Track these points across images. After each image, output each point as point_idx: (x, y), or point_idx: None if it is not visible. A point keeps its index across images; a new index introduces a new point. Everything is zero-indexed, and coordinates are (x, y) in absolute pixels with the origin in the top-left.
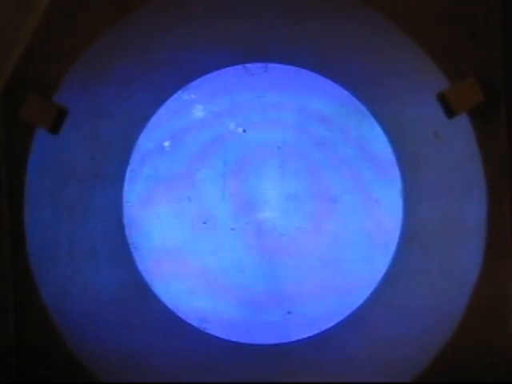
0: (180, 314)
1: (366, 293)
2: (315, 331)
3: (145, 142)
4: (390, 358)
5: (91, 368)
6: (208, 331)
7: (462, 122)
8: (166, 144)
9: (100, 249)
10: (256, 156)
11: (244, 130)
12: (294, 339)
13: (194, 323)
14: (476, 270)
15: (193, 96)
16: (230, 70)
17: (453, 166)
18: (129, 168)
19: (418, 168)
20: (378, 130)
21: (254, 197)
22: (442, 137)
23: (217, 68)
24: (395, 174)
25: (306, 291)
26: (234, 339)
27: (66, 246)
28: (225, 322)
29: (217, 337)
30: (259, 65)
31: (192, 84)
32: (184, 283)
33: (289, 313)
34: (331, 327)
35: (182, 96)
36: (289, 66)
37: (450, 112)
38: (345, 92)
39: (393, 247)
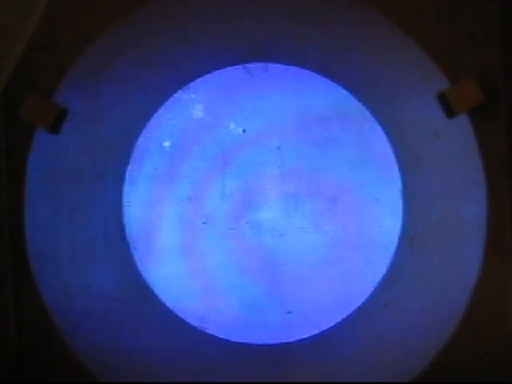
0: (180, 314)
1: (366, 293)
2: (315, 331)
3: (145, 141)
4: (390, 358)
5: (91, 368)
6: (208, 331)
7: (462, 122)
8: (166, 144)
9: (100, 249)
10: (256, 156)
11: (244, 130)
12: (294, 339)
13: (194, 323)
14: (476, 270)
15: (193, 96)
16: (230, 70)
17: (453, 165)
18: (129, 168)
19: (418, 168)
20: (378, 130)
21: (253, 197)
22: (441, 137)
23: (217, 68)
24: (395, 174)
25: (306, 291)
26: (233, 339)
27: (66, 246)
28: (225, 322)
29: (217, 337)
30: (259, 65)
31: (192, 84)
32: (184, 283)
33: (289, 313)
34: (331, 327)
35: (182, 96)
36: (289, 66)
37: (450, 112)
38: (345, 92)
39: (393, 247)
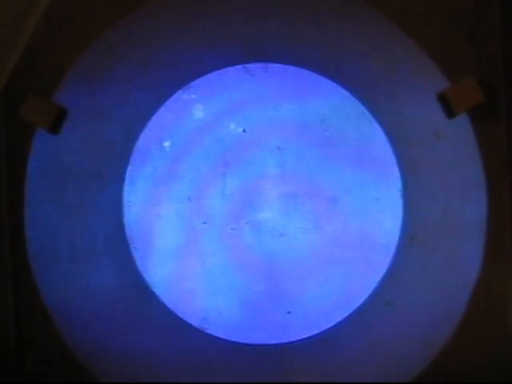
0: (180, 314)
1: (366, 293)
2: (315, 331)
3: (145, 142)
4: (390, 358)
5: (91, 368)
6: (208, 331)
7: (462, 122)
8: (166, 144)
9: (100, 249)
10: (256, 156)
11: (244, 130)
12: (294, 339)
13: (194, 323)
14: (476, 270)
15: (193, 96)
16: (230, 70)
17: (453, 166)
18: (129, 168)
19: (417, 168)
20: (377, 130)
21: (253, 197)
22: (441, 137)
23: (217, 68)
24: (395, 174)
25: (306, 291)
26: (233, 339)
27: (66, 246)
28: (225, 322)
29: (217, 337)
30: (259, 65)
31: (192, 84)
32: (184, 283)
33: (289, 313)
34: (331, 327)
35: (182, 96)
36: (289, 66)
37: (450, 112)
38: (345, 92)
39: (393, 247)
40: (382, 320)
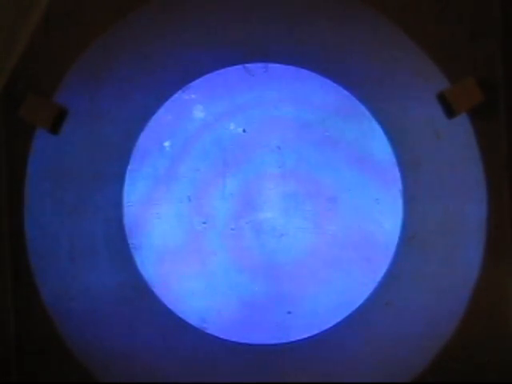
0: (180, 314)
1: (366, 293)
2: (315, 331)
3: (145, 141)
4: (390, 358)
5: (91, 368)
6: (208, 331)
7: (462, 122)
8: (166, 144)
9: (100, 249)
10: (256, 156)
11: (244, 130)
12: (294, 339)
13: (194, 323)
14: (476, 270)
15: (193, 96)
16: (230, 70)
17: (453, 165)
18: (129, 168)
19: (418, 168)
20: (378, 130)
21: (254, 197)
22: (442, 137)
23: (217, 68)
24: (395, 174)
25: (306, 291)
26: (233, 339)
27: (66, 246)
28: (225, 322)
29: (217, 337)
30: (259, 65)
31: (192, 84)
32: (184, 283)
33: (289, 313)
34: (331, 327)
35: (182, 96)
36: (289, 66)
37: (450, 112)
38: (345, 92)
39: (393, 247)
40: (382, 320)
